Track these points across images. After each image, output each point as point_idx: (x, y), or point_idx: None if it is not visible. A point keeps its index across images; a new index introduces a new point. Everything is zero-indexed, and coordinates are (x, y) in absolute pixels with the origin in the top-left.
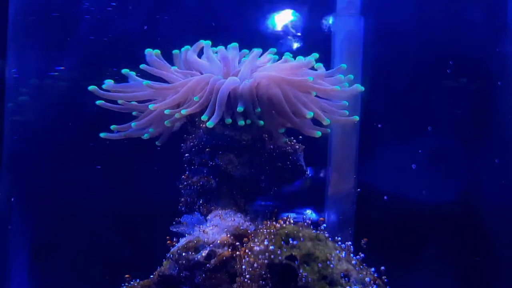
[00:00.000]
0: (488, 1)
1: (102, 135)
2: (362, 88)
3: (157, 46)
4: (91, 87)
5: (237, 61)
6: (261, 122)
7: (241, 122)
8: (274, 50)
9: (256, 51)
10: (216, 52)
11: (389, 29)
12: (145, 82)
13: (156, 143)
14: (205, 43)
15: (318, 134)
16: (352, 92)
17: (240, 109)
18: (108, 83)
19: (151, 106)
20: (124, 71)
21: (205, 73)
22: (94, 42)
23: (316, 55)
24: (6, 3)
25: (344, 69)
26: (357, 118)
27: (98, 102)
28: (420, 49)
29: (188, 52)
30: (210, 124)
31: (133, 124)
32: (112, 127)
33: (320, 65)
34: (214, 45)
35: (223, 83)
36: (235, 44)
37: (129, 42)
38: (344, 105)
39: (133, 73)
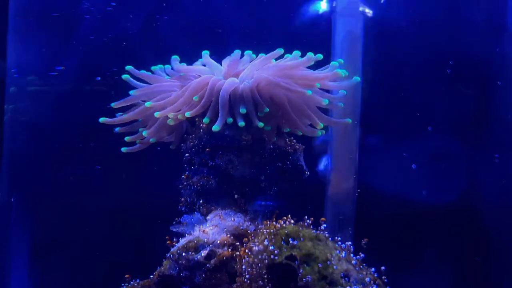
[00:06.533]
0: (488, 1)
1: (123, 150)
2: (358, 79)
3: (157, 46)
4: (102, 119)
5: (239, 64)
6: (261, 124)
7: (242, 123)
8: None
9: (261, 55)
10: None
11: (389, 29)
12: (147, 103)
13: (171, 146)
14: (203, 52)
15: (318, 134)
16: (349, 84)
17: (242, 110)
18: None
19: (156, 114)
20: (124, 77)
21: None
22: (94, 42)
23: (312, 54)
24: (6, 3)
25: (336, 66)
26: (349, 120)
27: (101, 120)
28: (420, 49)
29: (176, 66)
30: (215, 128)
31: (144, 132)
32: (126, 138)
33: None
34: (214, 45)
35: (222, 83)
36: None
37: (129, 42)
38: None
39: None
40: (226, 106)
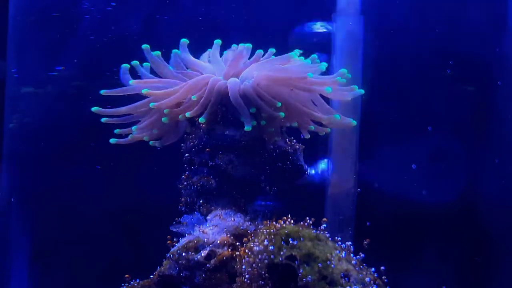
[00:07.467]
0: (488, 1)
1: (112, 141)
2: (362, 91)
3: (157, 46)
4: (94, 109)
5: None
6: (282, 114)
7: (253, 123)
8: (273, 50)
9: (258, 52)
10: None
11: (389, 29)
12: (144, 90)
13: (155, 144)
14: (216, 41)
15: (337, 117)
16: (352, 95)
17: (252, 110)
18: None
19: (152, 105)
20: (134, 63)
21: (205, 73)
22: (94, 42)
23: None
24: (6, 3)
25: (345, 73)
26: (354, 122)
27: (94, 109)
28: (420, 49)
29: (183, 54)
30: (248, 129)
31: (133, 128)
32: (116, 131)
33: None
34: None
35: (223, 84)
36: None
37: (129, 42)
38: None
39: (147, 64)
40: (243, 105)
